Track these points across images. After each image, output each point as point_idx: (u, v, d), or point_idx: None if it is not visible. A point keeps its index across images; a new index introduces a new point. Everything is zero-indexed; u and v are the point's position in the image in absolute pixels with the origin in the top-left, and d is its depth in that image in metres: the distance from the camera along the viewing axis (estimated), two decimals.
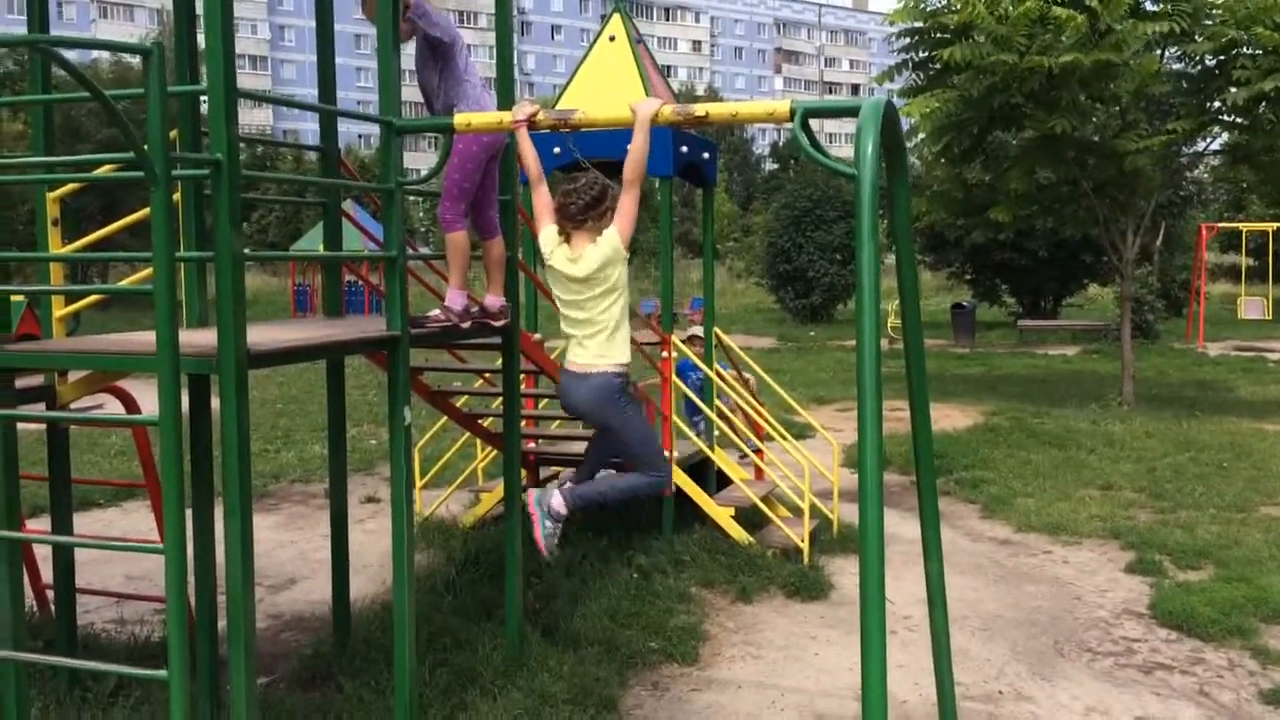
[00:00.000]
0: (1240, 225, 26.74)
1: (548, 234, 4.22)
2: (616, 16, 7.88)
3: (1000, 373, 18.81)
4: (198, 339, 3.93)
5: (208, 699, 4.81)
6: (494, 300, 5.24)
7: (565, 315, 4.23)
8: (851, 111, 3.65)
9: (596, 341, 4.15)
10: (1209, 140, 14.52)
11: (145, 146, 3.15)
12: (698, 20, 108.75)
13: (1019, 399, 15.17)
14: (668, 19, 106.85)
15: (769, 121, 3.93)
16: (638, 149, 4.00)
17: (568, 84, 7.85)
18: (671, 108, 4.08)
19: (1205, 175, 24.53)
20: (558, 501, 4.33)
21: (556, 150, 7.35)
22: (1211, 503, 9.07)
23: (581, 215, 4.13)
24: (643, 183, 4.14)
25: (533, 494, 4.39)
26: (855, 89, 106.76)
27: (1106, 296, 31.09)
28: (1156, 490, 9.55)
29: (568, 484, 4.37)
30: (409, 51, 5.01)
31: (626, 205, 4.05)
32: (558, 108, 7.63)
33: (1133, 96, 13.04)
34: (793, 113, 3.78)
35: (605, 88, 7.41)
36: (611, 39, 7.78)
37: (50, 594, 5.56)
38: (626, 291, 4.20)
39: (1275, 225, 24.42)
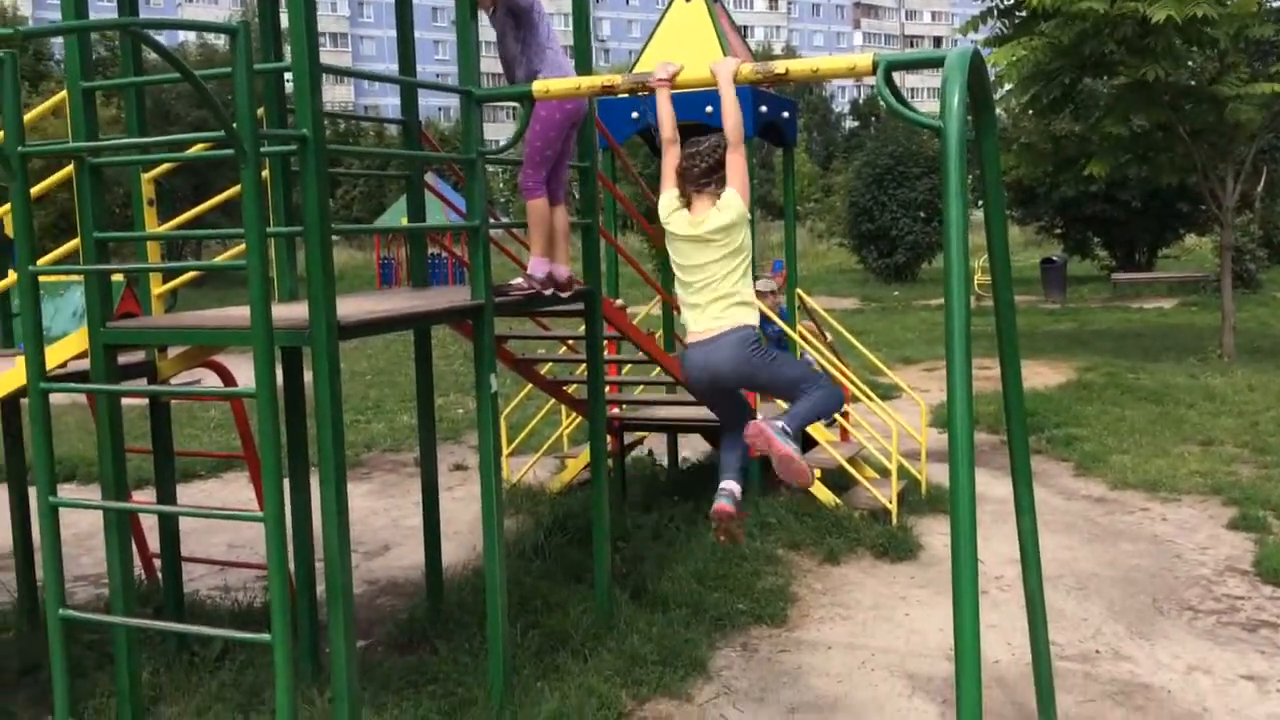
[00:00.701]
0: None
1: (667, 199, 4.11)
2: None
3: (1093, 328, 18.34)
4: (289, 313, 4.02)
5: (309, 661, 4.98)
6: (561, 270, 5.24)
7: (686, 282, 4.08)
8: (936, 62, 3.57)
9: (720, 306, 4.01)
10: None
11: (234, 125, 3.22)
12: None
13: (1113, 354, 14.77)
14: None
15: (850, 76, 3.86)
16: (730, 107, 3.94)
17: (645, 47, 7.80)
18: (750, 66, 4.04)
19: None
20: (780, 424, 3.97)
21: (635, 115, 7.33)
22: None
23: (705, 178, 4.01)
24: (744, 143, 4.04)
25: (762, 424, 3.99)
26: (938, 41, 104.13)
27: (1204, 247, 30.03)
28: (1260, 445, 9.25)
29: (782, 416, 4.01)
30: (486, 23, 5.02)
31: (737, 165, 3.97)
32: (636, 71, 7.60)
33: (1231, 39, 12.49)
34: (875, 66, 3.71)
35: (683, 49, 7.33)
36: (687, 0, 7.69)
37: (157, 563, 5.78)
38: (750, 255, 4.07)
39: None
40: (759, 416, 4.13)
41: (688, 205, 4.07)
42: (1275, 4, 13.75)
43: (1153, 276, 25.05)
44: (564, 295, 5.24)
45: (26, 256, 3.63)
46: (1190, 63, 13.53)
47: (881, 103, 3.68)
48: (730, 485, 4.15)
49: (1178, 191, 22.84)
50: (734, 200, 3.96)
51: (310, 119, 3.52)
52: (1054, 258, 24.34)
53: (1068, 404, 11.20)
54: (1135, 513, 7.67)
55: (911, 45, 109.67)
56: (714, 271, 4.00)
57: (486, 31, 5.01)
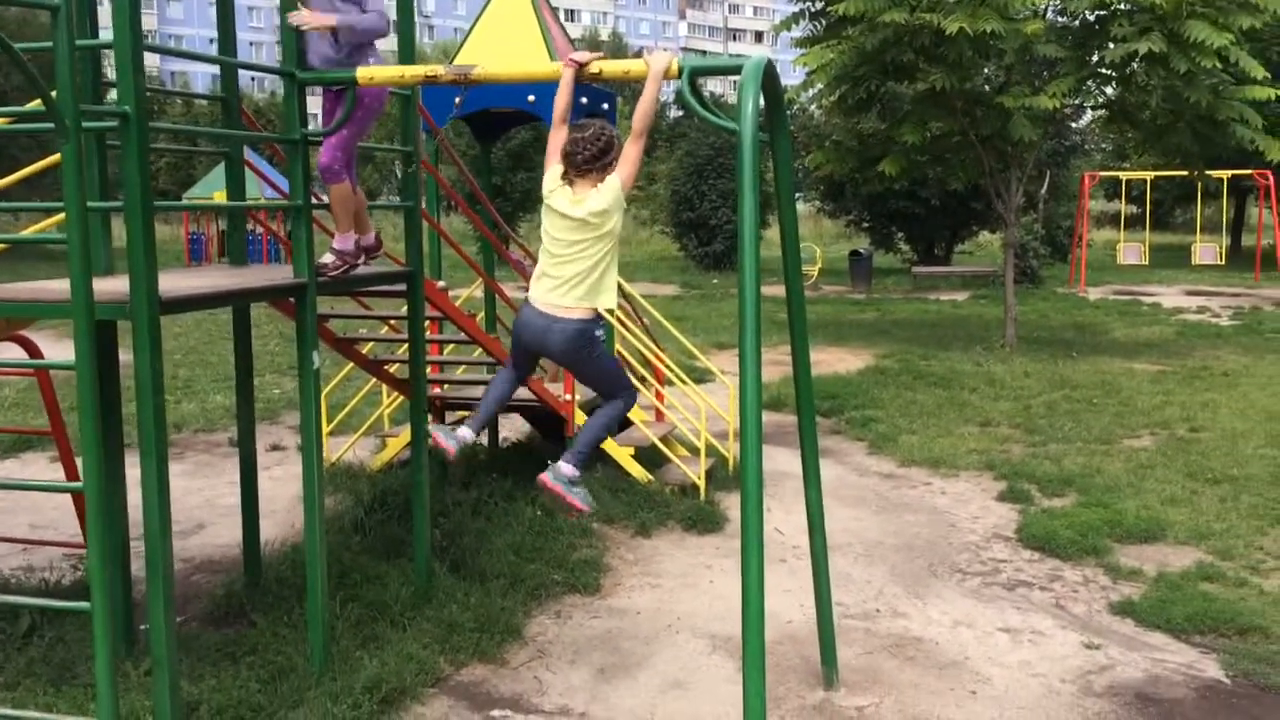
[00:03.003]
0: (1121, 174, 27.87)
1: (552, 174, 4.27)
2: None
3: (893, 317, 19.47)
4: (108, 286, 4.03)
5: (121, 638, 4.97)
6: (367, 238, 5.30)
7: (553, 255, 4.24)
8: (735, 70, 3.92)
9: (584, 287, 4.21)
10: (1089, 96, 15.15)
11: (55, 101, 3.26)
12: None
13: (909, 342, 15.80)
14: None
15: (641, 78, 4.13)
16: (649, 100, 4.11)
17: (467, 35, 7.94)
18: (564, 65, 4.28)
19: (1090, 126, 25.50)
20: (568, 469, 4.37)
21: (458, 100, 7.46)
22: (1079, 436, 9.72)
23: (588, 165, 4.19)
24: (649, 133, 4.24)
25: (548, 480, 4.36)
26: (759, 35, 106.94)
27: (996, 243, 32.16)
28: (1030, 426, 10.18)
29: (568, 454, 4.37)
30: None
31: (632, 154, 4.16)
32: (456, 62, 7.73)
33: (1018, 53, 13.54)
34: (681, 71, 4.03)
35: (506, 39, 7.54)
36: None
37: None
38: (618, 241, 4.28)
39: (1153, 174, 25.51)
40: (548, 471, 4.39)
41: (570, 184, 4.24)
42: (1060, 23, 14.91)
43: (948, 270, 26.70)
44: (376, 257, 5.36)
45: None
46: (983, 72, 14.56)
47: (685, 104, 4.00)
48: (464, 433, 4.47)
49: (973, 191, 24.40)
50: (614, 185, 4.17)
51: (133, 96, 3.57)
52: (860, 251, 25.62)
53: (866, 388, 11.97)
54: (919, 487, 8.37)
55: (735, 38, 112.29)
56: (581, 250, 4.20)
57: None
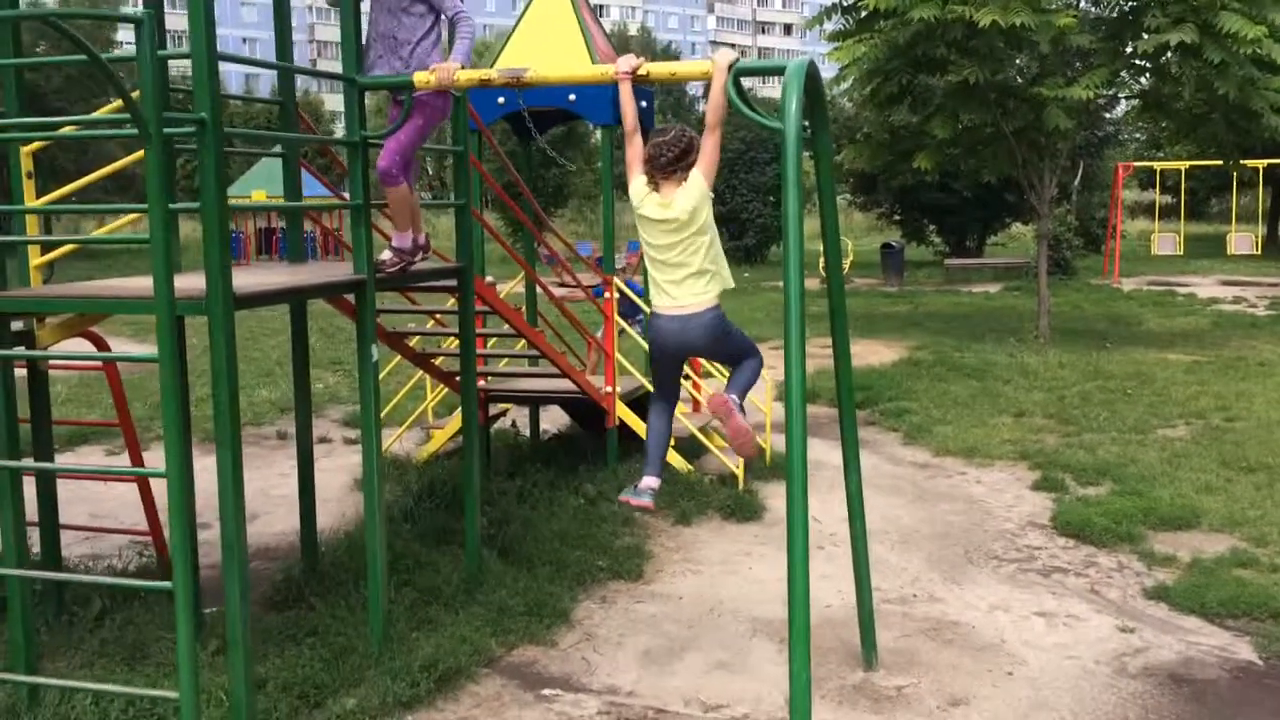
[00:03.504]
0: (1155, 164, 27.71)
1: (638, 184, 4.40)
2: None
3: (926, 310, 19.53)
4: (182, 283, 4.25)
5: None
6: (421, 237, 5.48)
7: (659, 262, 4.39)
8: (778, 71, 4.08)
9: (701, 281, 4.35)
10: (1123, 86, 15.15)
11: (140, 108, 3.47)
12: None
13: (942, 334, 15.87)
14: None
15: (704, 79, 4.29)
16: (717, 95, 4.21)
17: (509, 37, 8.13)
18: (609, 69, 4.44)
19: (1124, 116, 25.35)
20: (735, 409, 4.50)
21: (501, 100, 7.67)
22: (1114, 426, 9.79)
23: (671, 166, 4.32)
24: (722, 126, 4.32)
25: (732, 412, 4.49)
26: (788, 28, 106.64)
27: (1029, 235, 32.03)
28: (1064, 416, 10.26)
29: (732, 395, 4.52)
30: (366, 7, 5.25)
31: (709, 147, 4.28)
32: (499, 63, 7.91)
33: (1051, 44, 13.57)
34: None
35: (546, 40, 7.72)
36: None
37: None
38: (715, 230, 4.41)
39: (1188, 164, 25.36)
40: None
41: (656, 189, 4.37)
42: (1093, 14, 14.90)
43: (981, 262, 26.68)
44: (426, 256, 5.55)
45: None
46: (1017, 64, 14.59)
47: (731, 104, 4.16)
48: (652, 482, 4.57)
49: (1005, 182, 24.35)
50: (698, 180, 4.29)
51: (209, 103, 3.78)
52: (892, 243, 25.64)
53: (900, 380, 12.08)
54: (954, 476, 8.49)
55: (764, 31, 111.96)
56: (683, 249, 4.34)
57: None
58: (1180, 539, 6.83)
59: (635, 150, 4.42)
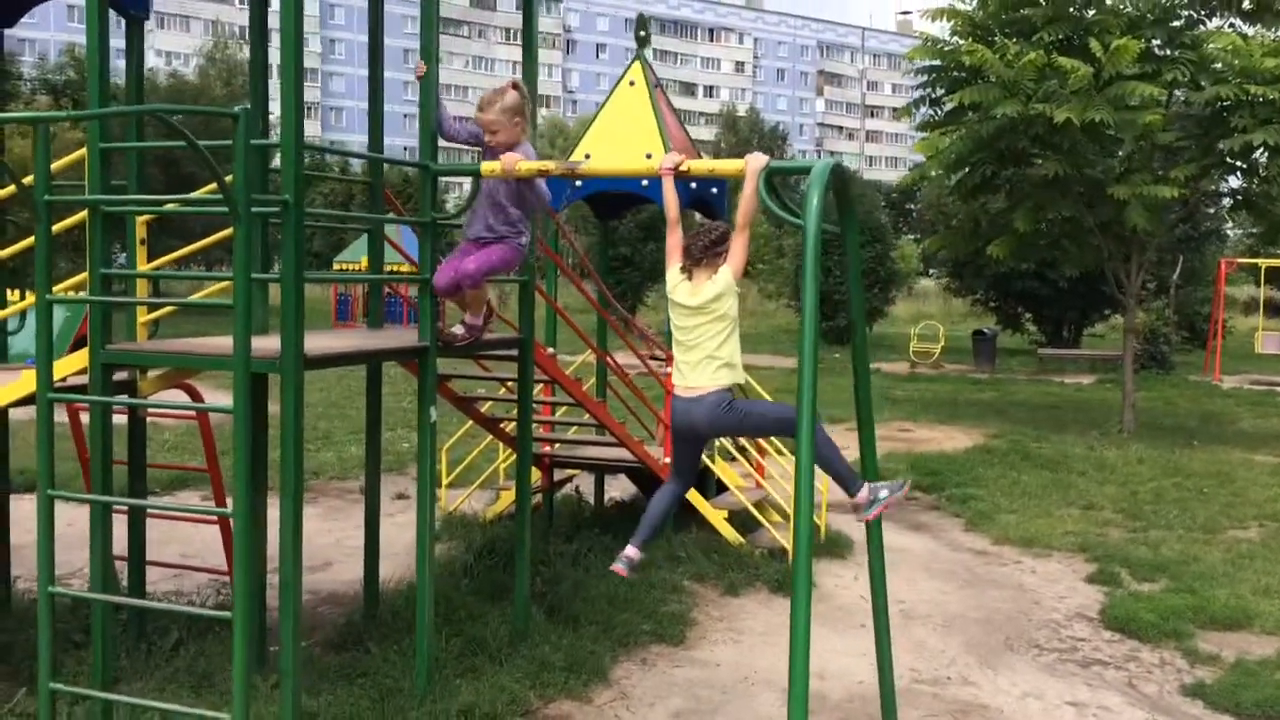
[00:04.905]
0: (1260, 261, 27.10)
1: (673, 273, 4.79)
2: (637, 63, 8.69)
3: (1013, 398, 19.39)
4: (262, 344, 4.73)
5: (255, 653, 5.62)
6: (475, 318, 5.82)
7: (681, 342, 4.75)
8: (805, 171, 4.43)
9: (711, 366, 4.67)
10: (1213, 183, 15.07)
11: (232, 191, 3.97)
12: (741, 41, 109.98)
13: (1024, 424, 15.78)
14: (711, 39, 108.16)
15: (740, 176, 4.64)
16: (749, 196, 4.56)
17: (589, 127, 8.66)
18: (654, 164, 4.84)
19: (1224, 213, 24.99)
20: (869, 500, 4.94)
21: (578, 183, 8.16)
22: (1183, 524, 9.69)
23: (701, 254, 4.69)
24: (752, 226, 4.72)
25: (875, 505, 4.94)
26: (895, 112, 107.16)
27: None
28: (1134, 511, 10.18)
29: (854, 496, 4.94)
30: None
31: (738, 246, 4.65)
32: (581, 145, 8.42)
33: (1136, 142, 13.65)
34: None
35: (624, 132, 8.21)
36: (631, 84, 8.58)
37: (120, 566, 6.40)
38: (737, 326, 4.75)
39: None
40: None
41: (689, 278, 4.75)
42: (1183, 105, 14.89)
43: (1076, 353, 26.32)
44: (491, 324, 5.94)
45: (45, 286, 4.34)
46: (1101, 161, 14.66)
47: (761, 200, 4.52)
48: (631, 553, 4.91)
49: (1102, 274, 24.17)
50: (725, 273, 4.66)
51: (293, 187, 4.28)
52: (985, 330, 25.54)
53: (971, 466, 12.11)
54: (1009, 565, 8.53)
55: (872, 115, 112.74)
56: (703, 334, 4.69)
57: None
58: (1228, 639, 6.79)
59: (675, 240, 4.81)
